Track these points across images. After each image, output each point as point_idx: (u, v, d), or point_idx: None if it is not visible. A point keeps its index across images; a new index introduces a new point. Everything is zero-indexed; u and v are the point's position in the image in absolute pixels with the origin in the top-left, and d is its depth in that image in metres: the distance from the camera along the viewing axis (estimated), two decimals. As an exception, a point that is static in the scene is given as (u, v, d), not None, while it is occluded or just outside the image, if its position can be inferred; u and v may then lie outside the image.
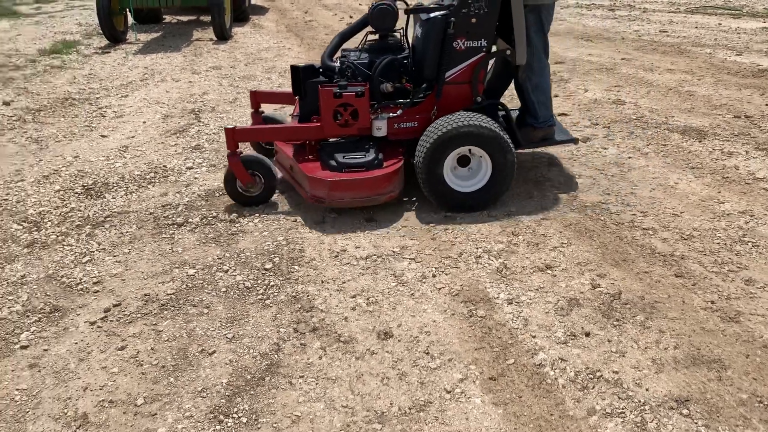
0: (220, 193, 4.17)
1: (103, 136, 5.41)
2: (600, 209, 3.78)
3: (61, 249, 3.54)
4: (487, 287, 3.02)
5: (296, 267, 3.26)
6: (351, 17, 11.54)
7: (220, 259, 3.36)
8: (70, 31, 10.10)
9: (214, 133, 5.37)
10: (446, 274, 3.14)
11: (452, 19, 3.66)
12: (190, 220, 3.81)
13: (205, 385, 2.45)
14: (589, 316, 2.79)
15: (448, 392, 2.37)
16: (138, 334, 2.77)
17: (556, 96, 6.12)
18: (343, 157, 3.71)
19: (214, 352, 2.63)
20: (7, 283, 3.22)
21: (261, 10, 12.53)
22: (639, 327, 2.71)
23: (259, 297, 3.01)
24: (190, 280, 3.17)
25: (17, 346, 2.73)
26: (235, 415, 2.29)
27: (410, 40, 4.10)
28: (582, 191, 4.03)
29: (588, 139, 4.97)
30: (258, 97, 4.58)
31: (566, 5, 12.42)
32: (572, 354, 2.56)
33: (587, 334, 2.67)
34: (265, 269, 3.24)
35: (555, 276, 3.10)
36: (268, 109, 5.00)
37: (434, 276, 3.12)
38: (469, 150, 3.63)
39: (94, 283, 3.18)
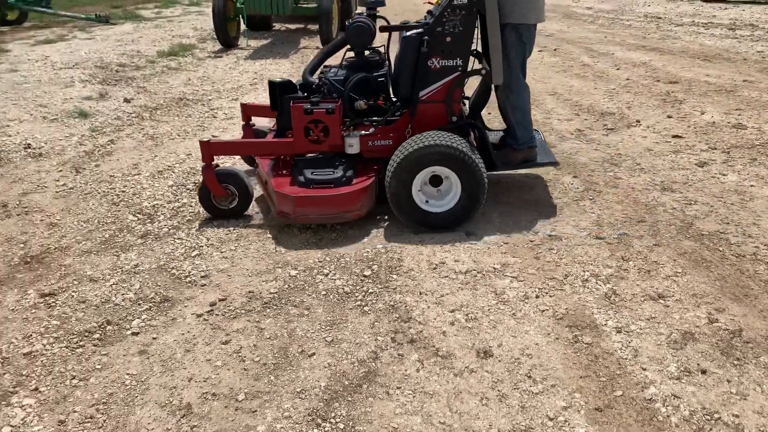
0: (323, 197, 4.22)
1: (214, 137, 5.63)
2: (718, 239, 3.54)
3: (173, 242, 3.69)
4: (594, 313, 2.89)
5: (394, 276, 3.25)
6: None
7: (321, 262, 3.39)
8: (186, 35, 10.65)
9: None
10: (550, 296, 3.02)
11: (425, 37, 3.62)
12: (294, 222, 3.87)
13: (304, 386, 2.47)
14: (705, 353, 2.61)
15: (551, 419, 2.27)
16: (241, 329, 2.83)
17: (669, 117, 5.83)
18: (312, 173, 3.69)
19: (314, 354, 2.65)
20: (122, 271, 3.39)
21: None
22: (763, 369, 2.50)
23: (358, 303, 3.02)
24: (292, 281, 3.22)
25: (129, 332, 2.86)
26: (332, 420, 2.29)
27: (392, 58, 4.04)
28: (698, 218, 3.79)
29: (705, 163, 4.68)
30: (248, 110, 4.63)
31: (681, 23, 11.87)
32: (686, 391, 2.39)
33: (703, 372, 2.49)
34: (364, 276, 3.25)
35: (668, 306, 2.92)
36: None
37: (537, 297, 3.02)
38: (444, 171, 3.55)
39: (202, 277, 3.29)
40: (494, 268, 3.27)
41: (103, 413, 2.37)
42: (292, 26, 11.68)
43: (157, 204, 4.23)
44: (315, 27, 11.13)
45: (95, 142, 5.50)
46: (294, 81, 4.12)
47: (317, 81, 3.99)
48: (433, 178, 3.63)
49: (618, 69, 7.88)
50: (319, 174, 3.68)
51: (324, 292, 3.11)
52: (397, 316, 2.90)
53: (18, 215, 4.13)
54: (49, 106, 6.41)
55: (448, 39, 3.63)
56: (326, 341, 2.74)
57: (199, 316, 2.96)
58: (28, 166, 4.97)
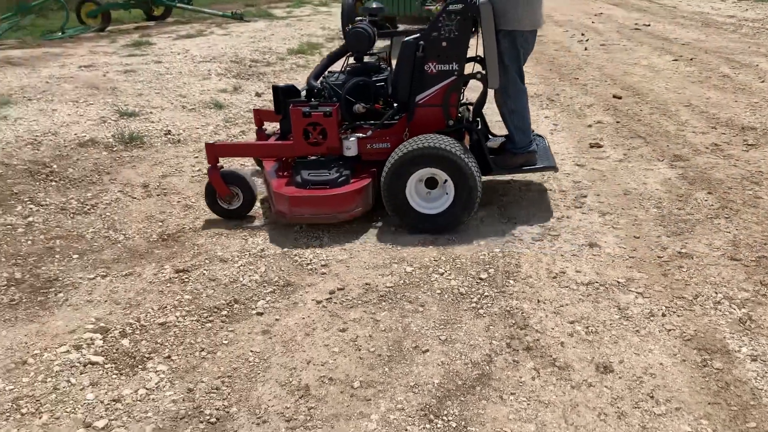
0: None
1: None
2: None
3: (297, 231, 3.84)
4: (727, 337, 2.71)
5: (511, 281, 3.20)
6: (583, 35, 11.16)
7: (437, 261, 3.41)
8: (315, 34, 11.04)
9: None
10: (678, 316, 2.87)
11: (422, 42, 3.65)
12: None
13: (417, 381, 2.49)
14: None
15: (675, 444, 2.16)
16: (358, 319, 2.90)
17: (822, 135, 5.35)
18: (308, 174, 3.75)
19: (427, 350, 2.67)
20: (249, 254, 3.57)
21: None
22: None
23: (473, 305, 3.00)
24: (407, 277, 3.25)
25: (254, 311, 3.01)
26: (444, 417, 2.29)
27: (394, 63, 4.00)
28: None
29: None
30: (261, 116, 4.72)
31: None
32: (832, 433, 2.19)
33: None
34: (480, 278, 3.23)
35: (813, 339, 2.69)
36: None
37: (664, 315, 2.87)
38: (437, 173, 3.59)
39: (322, 266, 3.40)
40: (618, 282, 3.15)
41: (227, 386, 2.51)
42: (416, 27, 11.80)
43: (282, 193, 4.41)
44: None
45: (228, 132, 5.82)
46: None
47: (320, 86, 4.06)
48: (429, 180, 3.67)
49: (763, 81, 7.32)
50: (315, 175, 3.75)
51: (439, 291, 3.12)
52: (513, 322, 2.86)
53: (158, 195, 4.46)
54: (188, 97, 6.86)
55: (444, 44, 3.66)
56: (440, 339, 2.75)
57: (318, 302, 3.06)
58: (167, 150, 5.34)
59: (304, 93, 4.12)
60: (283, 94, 4.12)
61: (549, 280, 3.21)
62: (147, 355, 2.70)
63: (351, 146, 3.84)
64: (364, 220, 3.88)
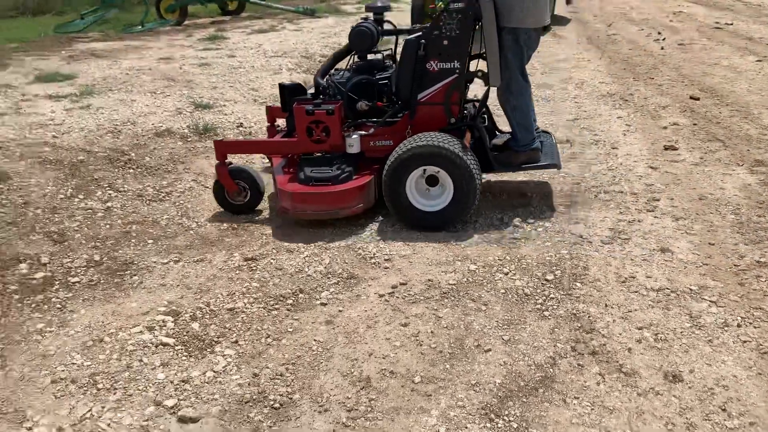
0: (506, 195, 4.20)
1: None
2: None
3: (360, 226, 3.88)
4: (808, 353, 2.57)
5: (578, 284, 3.14)
6: (659, 33, 10.78)
7: (501, 260, 3.38)
8: (384, 29, 11.10)
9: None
10: (755, 327, 2.74)
11: (423, 40, 3.67)
12: (473, 217, 3.89)
13: (479, 380, 2.48)
14: None
15: (747, 460, 2.07)
16: (420, 315, 2.91)
17: None
18: (311, 170, 3.79)
19: (490, 350, 2.66)
20: (314, 245, 3.63)
21: (562, 20, 12.38)
22: None
23: (538, 306, 2.96)
24: (471, 275, 3.24)
25: (318, 302, 3.06)
26: (505, 417, 2.28)
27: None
28: None
29: None
30: (273, 112, 4.75)
31: None
32: None
33: None
34: (546, 280, 3.18)
35: None
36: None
37: (739, 326, 2.76)
38: (436, 170, 3.61)
39: (385, 260, 3.43)
40: (690, 290, 3.04)
41: (291, 373, 2.56)
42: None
43: (348, 187, 4.46)
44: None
45: (296, 125, 5.92)
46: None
47: (325, 84, 4.07)
48: (430, 178, 3.68)
49: None
50: (317, 172, 3.79)
51: (503, 291, 3.09)
52: (579, 325, 2.80)
53: (228, 185, 4.58)
54: (260, 90, 7.02)
55: (446, 42, 3.68)
56: (503, 339, 2.72)
57: (381, 296, 3.08)
58: (239, 142, 5.48)
59: (311, 91, 4.18)
60: (289, 93, 4.19)
61: (618, 284, 3.12)
62: (215, 339, 2.79)
63: (354, 143, 3.87)
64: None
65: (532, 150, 3.97)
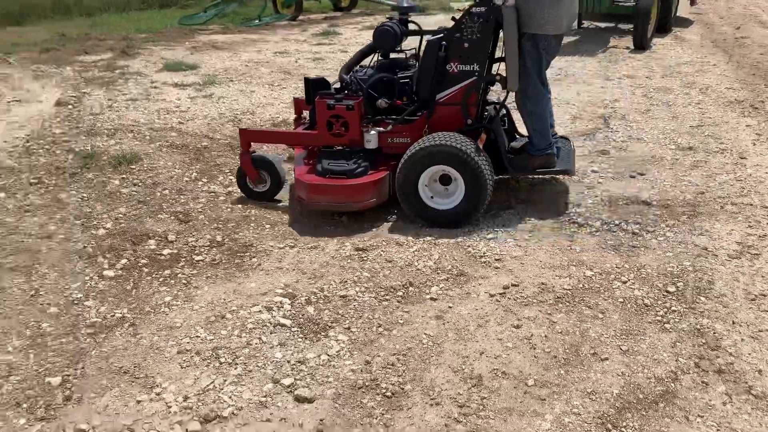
0: (624, 201, 4.05)
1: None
2: None
3: (470, 223, 3.86)
4: None
5: (702, 299, 2.98)
6: (794, 37, 10.00)
7: (619, 268, 3.26)
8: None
9: (622, 141, 5.23)
10: None
11: (444, 42, 3.72)
12: (589, 222, 3.78)
13: (595, 388, 2.41)
14: None
15: None
16: (533, 318, 2.87)
17: None
18: (329, 163, 3.86)
19: (607, 359, 2.57)
20: (423, 241, 3.65)
21: (685, 23, 11.75)
22: None
23: (658, 318, 2.84)
24: (586, 281, 3.15)
25: (428, 296, 3.08)
26: (623, 429, 2.21)
27: None
28: None
29: None
30: (300, 104, 4.78)
31: None
32: None
33: None
34: (667, 291, 3.04)
35: None
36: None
37: None
38: (448, 170, 3.67)
39: (496, 260, 3.39)
40: (831, 313, 2.82)
41: (402, 364, 2.59)
42: (602, 24, 11.27)
43: (458, 184, 4.46)
44: (626, 26, 10.58)
45: (406, 121, 5.96)
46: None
47: (349, 79, 4.09)
48: (444, 177, 3.74)
49: None
50: (334, 165, 3.85)
51: (621, 300, 2.98)
52: (704, 341, 2.67)
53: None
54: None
55: (466, 45, 3.72)
56: (621, 349, 2.63)
57: (491, 296, 3.06)
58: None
59: (336, 86, 4.21)
60: (314, 86, 4.24)
61: (746, 301, 2.94)
62: (329, 324, 2.87)
63: (372, 139, 3.92)
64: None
65: (547, 155, 3.98)
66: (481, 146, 3.77)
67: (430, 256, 3.45)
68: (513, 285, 3.14)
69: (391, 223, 3.90)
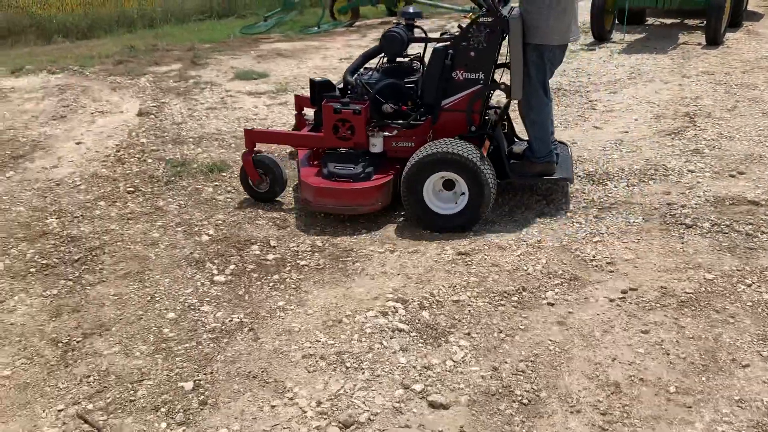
0: (730, 202, 3.92)
1: (596, 128, 5.61)
2: None
3: (571, 224, 3.79)
4: None
5: (836, 302, 2.85)
6: None
7: (740, 271, 3.15)
8: (556, 27, 10.81)
9: (713, 140, 5.06)
10: None
11: (451, 50, 3.79)
12: (698, 223, 3.67)
13: (742, 396, 2.32)
14: None
15: None
16: (660, 323, 2.78)
17: None
18: (335, 166, 3.88)
19: (748, 365, 2.48)
20: (526, 244, 3.59)
21: (755, 16, 11.37)
22: None
23: (793, 323, 2.72)
24: (708, 285, 3.05)
25: (544, 301, 3.02)
26: (785, 440, 2.11)
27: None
28: None
29: None
30: (301, 101, 4.84)
31: None
32: None
33: None
34: (797, 295, 2.91)
35: None
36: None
37: None
38: (453, 176, 3.69)
39: (608, 263, 3.31)
40: None
41: (532, 370, 2.54)
42: (667, 21, 10.99)
43: (550, 187, 4.38)
44: (694, 22, 10.30)
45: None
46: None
47: (354, 82, 4.09)
48: (447, 182, 3.75)
49: None
50: (340, 168, 3.88)
51: (750, 304, 2.88)
52: None
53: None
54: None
55: (472, 54, 3.78)
56: (761, 356, 2.53)
57: (611, 300, 2.98)
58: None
59: (341, 86, 4.22)
60: (320, 88, 4.25)
61: None
62: (447, 329, 2.84)
63: (377, 143, 3.95)
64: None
65: (547, 162, 4.02)
66: (485, 153, 3.80)
67: (537, 260, 3.39)
68: (631, 289, 3.05)
69: (488, 225, 3.85)
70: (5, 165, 4.87)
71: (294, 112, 5.13)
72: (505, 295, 3.08)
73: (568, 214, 3.95)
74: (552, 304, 2.99)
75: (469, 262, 3.42)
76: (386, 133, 4.00)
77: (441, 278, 3.28)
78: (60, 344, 2.83)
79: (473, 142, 3.80)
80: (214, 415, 2.38)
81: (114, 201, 4.30)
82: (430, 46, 4.07)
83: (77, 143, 5.30)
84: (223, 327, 2.92)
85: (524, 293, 3.09)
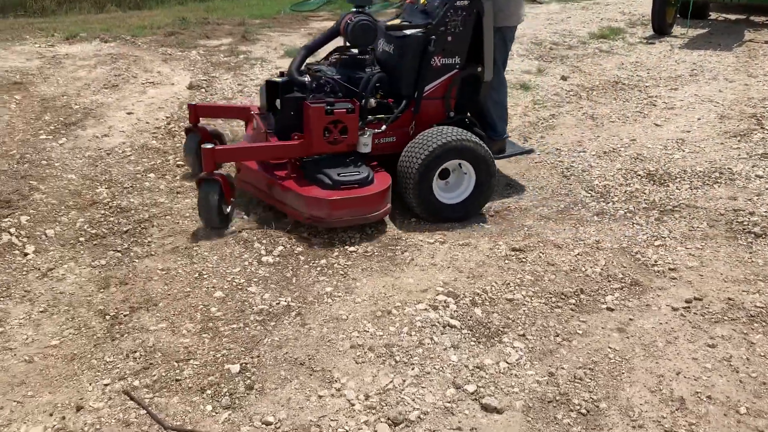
0: (801, 212, 3.71)
1: (656, 125, 5.39)
2: None
3: (631, 226, 3.63)
4: None
5: None
6: None
7: (814, 287, 2.96)
8: (614, 18, 10.45)
9: (782, 145, 4.82)
10: None
11: (433, 36, 3.72)
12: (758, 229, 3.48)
13: (821, 424, 2.17)
14: None
15: None
16: (727, 337, 2.63)
17: None
18: (338, 174, 3.52)
19: (826, 391, 2.32)
20: (584, 243, 3.45)
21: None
22: None
23: None
24: (781, 300, 2.88)
25: (603, 306, 2.89)
26: None
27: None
28: None
29: None
30: (198, 111, 4.27)
31: None
32: None
33: None
34: None
35: None
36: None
37: None
38: (459, 164, 3.69)
39: (670, 269, 3.16)
40: None
41: (591, 378, 2.43)
42: (732, 16, 10.54)
43: (608, 184, 4.22)
44: (760, 19, 9.89)
45: (538, 115, 5.74)
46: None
47: (308, 79, 3.81)
48: (443, 171, 3.70)
49: None
50: (345, 175, 3.53)
51: (826, 323, 2.70)
52: None
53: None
54: (494, 75, 6.91)
55: (450, 38, 3.77)
56: (840, 380, 2.37)
57: (675, 309, 2.84)
58: (481, 127, 5.42)
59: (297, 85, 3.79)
60: (283, 89, 3.75)
61: None
62: (501, 329, 2.73)
63: (367, 142, 3.72)
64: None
65: (504, 139, 4.24)
66: None
67: (595, 261, 3.25)
68: (696, 299, 2.90)
69: (542, 221, 3.71)
70: (58, 131, 4.89)
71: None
72: (562, 296, 2.96)
73: (628, 214, 3.79)
74: (612, 309, 2.85)
75: (524, 260, 3.30)
76: (375, 130, 3.78)
77: (494, 274, 3.17)
78: (107, 317, 2.81)
79: (460, 127, 3.79)
80: (260, 401, 2.33)
81: (164, 174, 4.28)
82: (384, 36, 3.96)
83: (128, 113, 5.30)
84: (270, 309, 2.87)
85: (582, 296, 2.96)
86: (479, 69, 3.90)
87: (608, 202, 3.96)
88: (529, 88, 6.49)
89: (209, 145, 3.44)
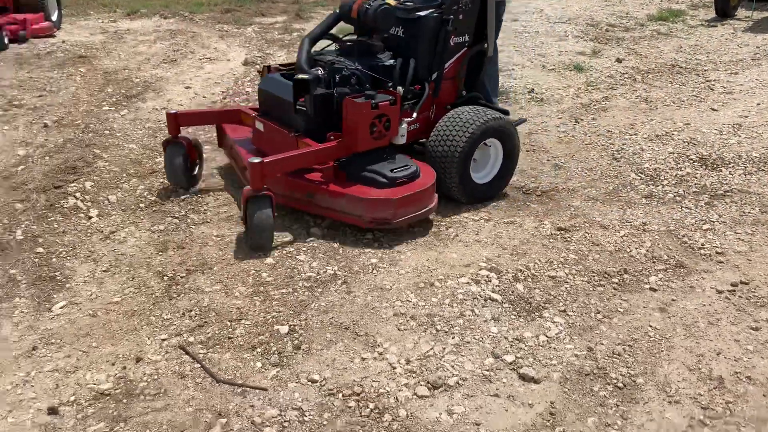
0: None
1: (712, 110, 5.27)
2: None
3: (680, 209, 3.60)
4: None
5: None
6: None
7: None
8: (676, 0, 10.16)
9: None
10: None
11: (450, 16, 3.66)
12: (822, 220, 3.40)
13: None
14: None
15: None
16: (772, 321, 2.62)
17: None
18: (391, 171, 3.38)
19: None
20: (630, 225, 3.45)
21: None
22: None
23: None
24: (830, 287, 2.83)
25: (647, 286, 2.90)
26: None
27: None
28: None
29: None
30: (179, 120, 3.84)
31: None
32: None
33: None
34: None
35: None
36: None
37: None
38: (492, 142, 3.68)
39: (717, 253, 3.14)
40: None
41: (629, 355, 2.46)
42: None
43: (658, 168, 4.18)
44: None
45: (590, 97, 5.68)
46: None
47: (321, 72, 3.52)
48: None
49: None
50: (397, 171, 3.39)
51: None
52: None
53: (526, 152, 4.54)
54: (547, 57, 6.85)
55: (461, 17, 3.73)
56: None
57: (719, 292, 2.83)
58: (531, 108, 5.41)
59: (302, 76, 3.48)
60: (313, 87, 3.43)
61: None
62: (542, 304, 2.78)
63: (404, 132, 3.62)
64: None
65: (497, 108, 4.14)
66: None
67: (641, 243, 3.25)
68: (742, 282, 2.89)
69: (590, 202, 3.71)
70: (120, 103, 5.11)
71: None
72: (606, 275, 2.98)
73: (677, 198, 3.75)
74: (654, 290, 2.86)
75: (568, 239, 3.33)
76: (409, 119, 3.67)
77: (537, 252, 3.21)
78: (165, 278, 2.97)
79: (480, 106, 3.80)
80: (307, 360, 2.44)
81: (219, 147, 4.43)
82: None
83: (186, 87, 5.48)
84: (317, 277, 2.98)
85: (626, 275, 2.98)
86: (485, 45, 3.91)
87: (658, 185, 3.93)
88: (582, 69, 6.42)
89: (256, 160, 3.11)
